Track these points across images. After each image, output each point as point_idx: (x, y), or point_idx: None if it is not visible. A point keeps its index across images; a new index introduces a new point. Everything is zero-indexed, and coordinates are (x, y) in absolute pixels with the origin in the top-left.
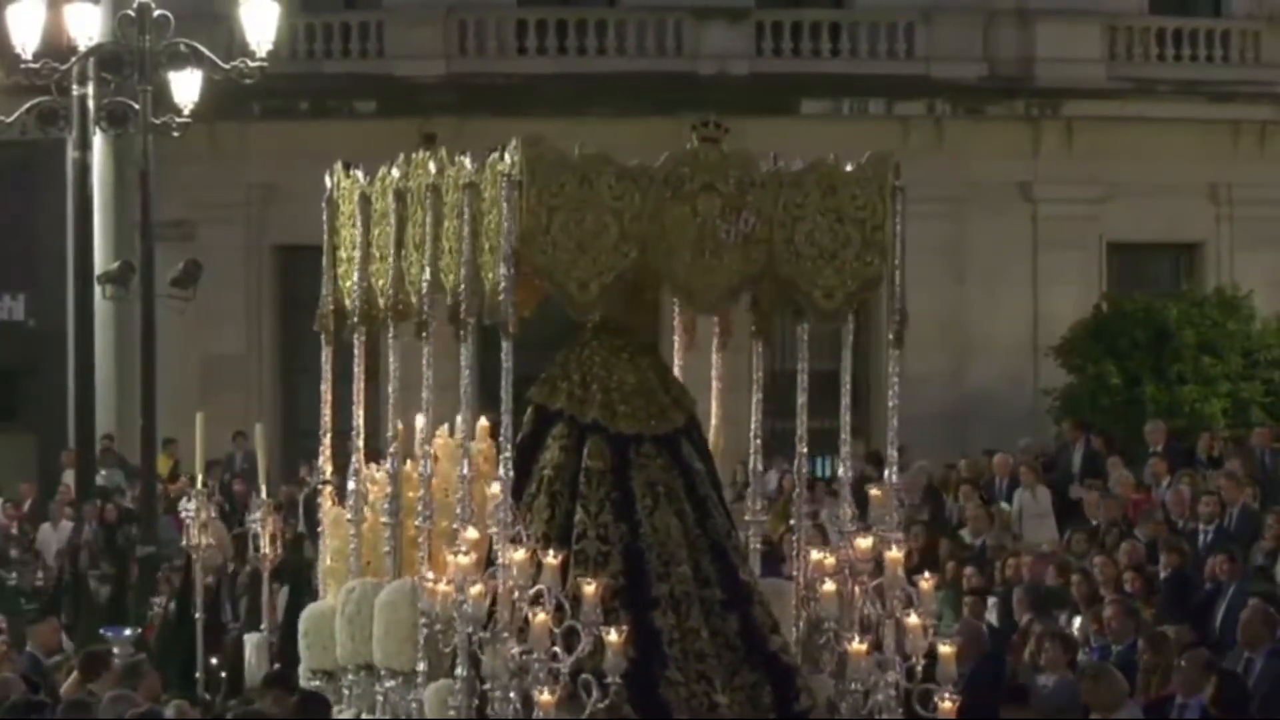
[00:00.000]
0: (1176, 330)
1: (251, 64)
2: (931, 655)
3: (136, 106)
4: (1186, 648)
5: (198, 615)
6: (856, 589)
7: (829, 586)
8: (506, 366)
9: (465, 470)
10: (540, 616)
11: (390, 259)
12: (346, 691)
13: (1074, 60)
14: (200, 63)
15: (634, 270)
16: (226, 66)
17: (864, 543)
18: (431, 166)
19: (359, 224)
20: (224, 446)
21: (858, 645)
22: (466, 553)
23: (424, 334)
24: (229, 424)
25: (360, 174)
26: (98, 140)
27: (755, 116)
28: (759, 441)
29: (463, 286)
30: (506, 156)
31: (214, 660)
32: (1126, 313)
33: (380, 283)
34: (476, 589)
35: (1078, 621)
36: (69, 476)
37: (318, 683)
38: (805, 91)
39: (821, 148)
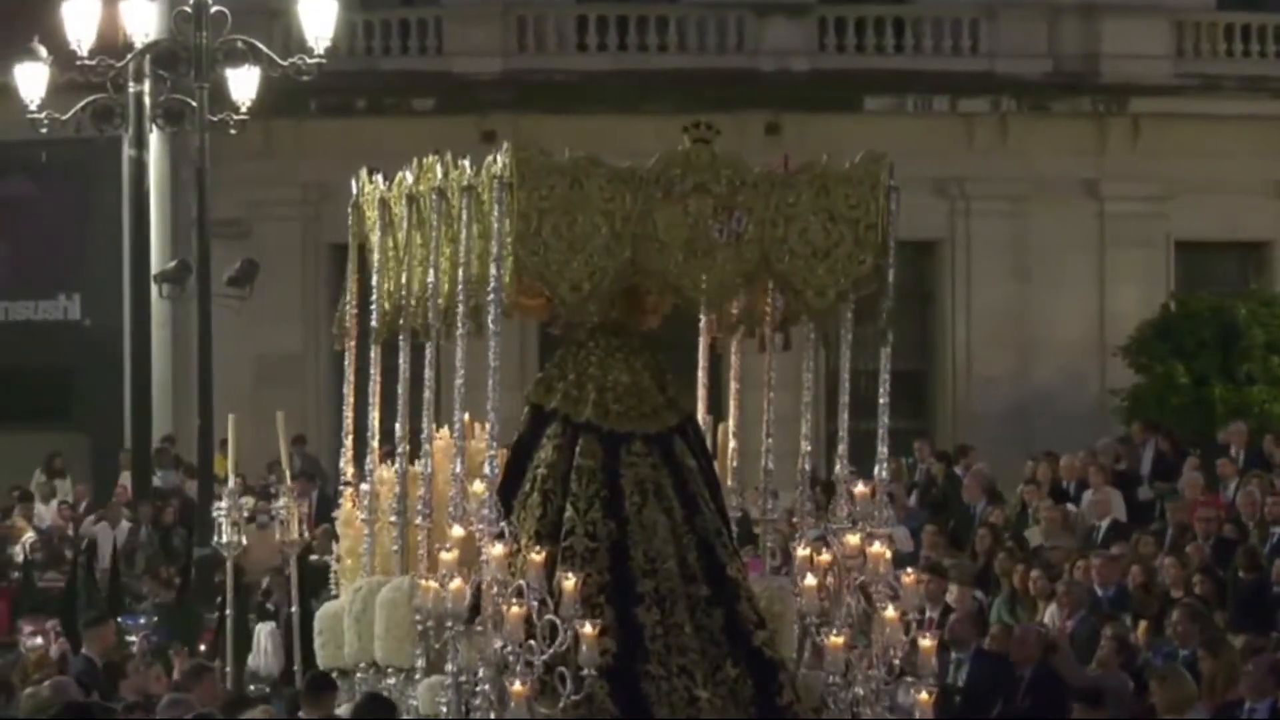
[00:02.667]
0: (1245, 330)
1: (309, 61)
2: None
3: (193, 104)
4: (1254, 652)
5: (228, 613)
6: (844, 584)
7: (809, 581)
8: (494, 366)
9: (458, 469)
10: (514, 609)
11: (405, 261)
12: (358, 690)
13: (1140, 56)
14: (257, 59)
15: (626, 271)
16: (284, 63)
17: (853, 539)
18: (438, 170)
19: (379, 228)
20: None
21: (834, 638)
22: (450, 549)
23: (430, 336)
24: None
25: (381, 179)
26: (154, 138)
27: (817, 113)
28: (771, 440)
29: (460, 288)
30: (498, 159)
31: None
32: (1194, 312)
33: (389, 285)
34: (455, 584)
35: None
36: (126, 478)
37: None
38: (868, 88)
39: (884, 145)
